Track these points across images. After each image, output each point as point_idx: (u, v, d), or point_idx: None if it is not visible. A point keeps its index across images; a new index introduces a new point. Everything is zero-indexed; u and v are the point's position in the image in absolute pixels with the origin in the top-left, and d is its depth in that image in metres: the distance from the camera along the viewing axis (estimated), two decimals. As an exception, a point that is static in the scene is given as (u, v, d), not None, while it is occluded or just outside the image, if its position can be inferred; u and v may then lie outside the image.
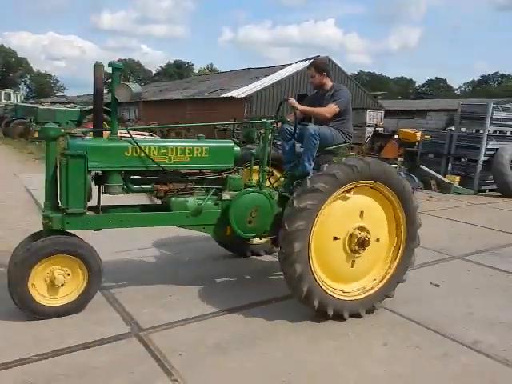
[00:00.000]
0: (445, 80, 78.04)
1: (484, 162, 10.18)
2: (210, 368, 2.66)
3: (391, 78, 77.84)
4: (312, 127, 3.87)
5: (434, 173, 10.43)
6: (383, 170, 3.35)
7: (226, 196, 3.56)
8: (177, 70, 73.20)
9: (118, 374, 2.56)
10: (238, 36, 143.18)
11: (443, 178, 10.30)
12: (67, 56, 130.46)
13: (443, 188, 10.00)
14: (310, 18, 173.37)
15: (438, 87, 73.77)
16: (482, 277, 4.55)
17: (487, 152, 10.22)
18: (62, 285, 3.14)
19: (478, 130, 10.52)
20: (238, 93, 24.70)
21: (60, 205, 3.21)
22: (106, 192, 3.35)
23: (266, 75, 26.69)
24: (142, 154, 3.31)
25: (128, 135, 3.33)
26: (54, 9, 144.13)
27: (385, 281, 3.50)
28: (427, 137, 11.36)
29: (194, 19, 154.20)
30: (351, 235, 3.33)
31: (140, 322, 3.17)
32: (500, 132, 10.63)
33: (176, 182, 3.55)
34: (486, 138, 10.16)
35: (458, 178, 10.30)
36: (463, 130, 11.11)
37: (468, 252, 5.22)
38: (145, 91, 40.10)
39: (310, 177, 3.27)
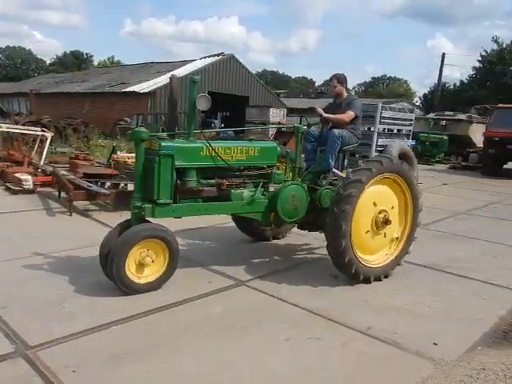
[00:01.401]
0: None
1: (375, 157, 11.01)
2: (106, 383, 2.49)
3: (293, 77, 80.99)
4: (337, 130, 4.91)
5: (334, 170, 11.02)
6: (400, 164, 4.28)
7: (271, 188, 4.30)
8: (75, 61, 68.15)
9: (-1, 401, 2.28)
10: (141, 29, 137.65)
11: (340, 173, 10.92)
12: None
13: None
14: (214, 14, 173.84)
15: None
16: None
17: (378, 148, 11.08)
18: (148, 265, 3.60)
19: (370, 128, 11.36)
20: (141, 87, 23.82)
21: (148, 196, 3.67)
22: (182, 186, 3.82)
23: (169, 70, 26.08)
24: (213, 154, 3.86)
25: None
26: None
27: (403, 241, 4.49)
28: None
29: (93, 8, 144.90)
30: (377, 215, 4.19)
31: (27, 338, 2.86)
32: (388, 130, 11.61)
33: (234, 176, 4.16)
34: (376, 136, 11.01)
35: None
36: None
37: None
38: (38, 82, 36.79)
39: (350, 170, 4.08)
